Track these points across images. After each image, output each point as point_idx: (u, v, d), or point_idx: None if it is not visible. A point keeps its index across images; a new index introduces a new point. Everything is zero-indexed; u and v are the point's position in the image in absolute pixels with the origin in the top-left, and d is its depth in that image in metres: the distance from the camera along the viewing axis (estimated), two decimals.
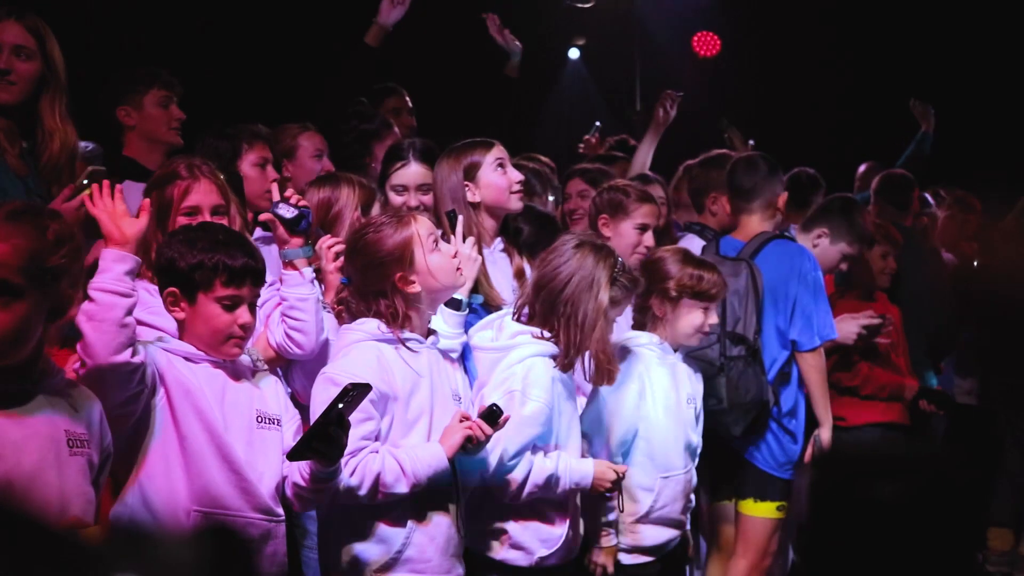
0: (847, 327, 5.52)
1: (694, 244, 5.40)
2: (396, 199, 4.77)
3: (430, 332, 3.76)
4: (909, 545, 2.16)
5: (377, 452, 3.52)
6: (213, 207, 3.86)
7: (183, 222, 3.75)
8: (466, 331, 4.05)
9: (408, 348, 3.64)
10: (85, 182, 3.79)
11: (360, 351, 3.58)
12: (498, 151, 4.52)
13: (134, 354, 3.11)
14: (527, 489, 3.90)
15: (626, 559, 4.41)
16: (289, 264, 3.90)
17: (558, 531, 4.01)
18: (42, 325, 2.78)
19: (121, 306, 3.06)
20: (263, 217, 4.08)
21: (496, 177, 4.47)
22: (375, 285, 3.65)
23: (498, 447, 3.80)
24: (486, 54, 6.94)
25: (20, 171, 4.17)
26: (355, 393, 3.23)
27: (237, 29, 7.90)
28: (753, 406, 4.92)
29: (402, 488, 3.52)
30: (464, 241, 4.06)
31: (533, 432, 3.88)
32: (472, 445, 3.61)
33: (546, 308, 3.99)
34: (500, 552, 3.98)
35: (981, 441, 6.87)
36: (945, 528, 2.16)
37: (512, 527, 3.98)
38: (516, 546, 3.99)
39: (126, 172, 4.75)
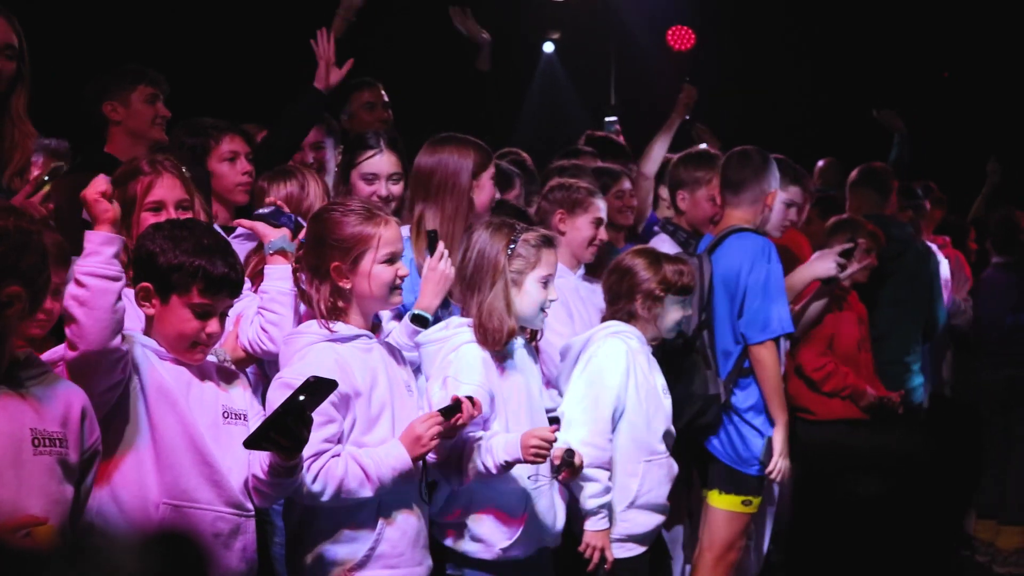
0: (824, 263, 5.52)
1: (664, 245, 5.44)
2: (365, 188, 4.76)
3: (376, 326, 3.76)
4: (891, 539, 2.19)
5: (339, 456, 3.51)
6: (177, 202, 3.86)
7: (148, 218, 3.75)
8: None
9: (359, 346, 3.64)
10: (46, 179, 3.81)
11: (316, 353, 3.57)
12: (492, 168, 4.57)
13: (123, 340, 3.12)
14: (470, 474, 3.88)
15: (619, 550, 4.47)
16: (273, 255, 3.92)
17: (516, 522, 4.02)
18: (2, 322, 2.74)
19: (112, 290, 3.05)
20: (242, 224, 4.14)
21: (489, 188, 4.51)
22: (313, 261, 3.67)
23: None
24: (459, 48, 6.95)
25: None
26: (317, 386, 3.21)
27: (218, 26, 7.89)
28: (695, 399, 4.95)
29: (366, 492, 3.52)
30: (440, 258, 4.11)
31: None
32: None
33: (464, 292, 4.09)
34: (462, 544, 4.02)
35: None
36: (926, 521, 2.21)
37: (470, 519, 4.01)
38: (476, 538, 4.01)
39: (106, 168, 4.70)
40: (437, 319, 4.17)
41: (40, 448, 2.78)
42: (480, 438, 3.88)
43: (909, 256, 6.54)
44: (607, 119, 7.90)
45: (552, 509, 4.13)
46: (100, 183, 3.19)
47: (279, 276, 3.87)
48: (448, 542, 4.02)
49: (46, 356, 3.10)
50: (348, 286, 3.64)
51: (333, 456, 3.51)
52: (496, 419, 3.99)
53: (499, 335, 3.99)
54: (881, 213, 6.65)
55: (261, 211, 4.09)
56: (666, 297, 4.62)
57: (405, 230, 4.40)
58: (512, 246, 4.03)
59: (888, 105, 8.45)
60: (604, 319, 4.69)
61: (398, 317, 4.19)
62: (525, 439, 3.85)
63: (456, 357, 3.96)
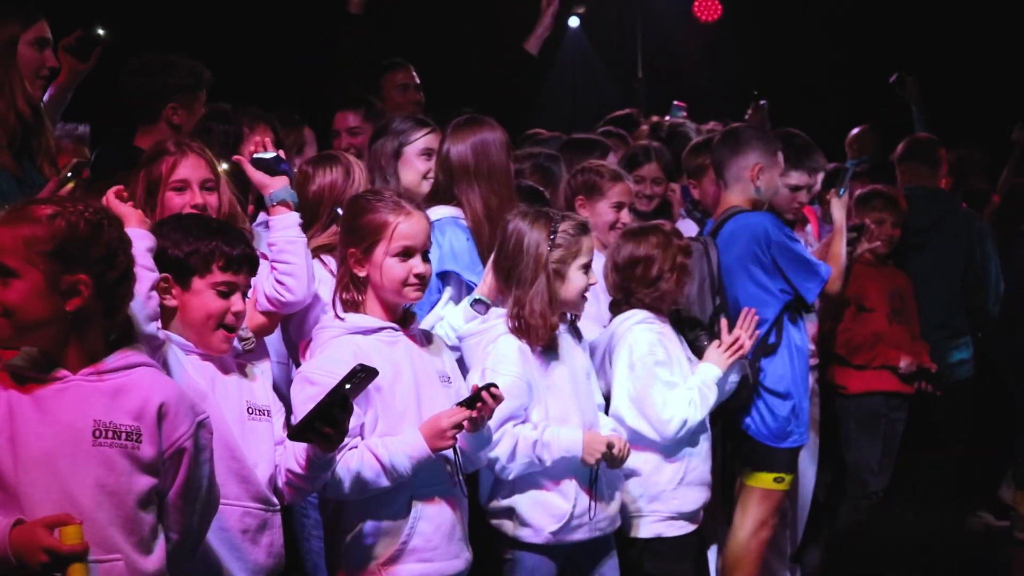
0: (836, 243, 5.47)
1: (688, 229, 5.43)
2: (421, 165, 4.71)
3: (408, 317, 3.75)
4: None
5: (355, 448, 3.52)
6: (201, 181, 3.88)
7: (172, 197, 3.80)
8: None
9: (383, 338, 3.63)
10: (69, 174, 3.86)
11: (336, 346, 3.58)
12: None
13: (159, 328, 3.18)
14: (517, 461, 3.94)
15: (670, 529, 4.50)
16: (276, 207, 3.93)
17: (565, 505, 4.04)
18: (64, 314, 2.77)
19: (148, 279, 3.15)
20: (243, 166, 4.06)
21: None
22: (338, 245, 3.72)
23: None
24: (494, 28, 6.95)
25: (16, 172, 4.24)
26: (363, 375, 3.22)
27: (227, 17, 7.86)
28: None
29: (383, 482, 3.52)
30: None
31: (509, 406, 3.88)
32: (463, 431, 3.60)
33: (501, 285, 4.07)
34: (513, 529, 4.04)
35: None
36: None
37: (518, 502, 4.03)
38: (524, 523, 4.03)
39: (135, 163, 4.76)
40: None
41: (101, 439, 2.79)
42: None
43: (946, 226, 6.49)
44: (675, 103, 7.76)
45: (603, 492, 4.14)
46: (112, 192, 3.38)
47: (286, 225, 3.89)
48: (499, 526, 4.05)
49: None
50: (363, 274, 3.64)
51: (350, 449, 3.51)
52: (536, 408, 4.01)
53: (542, 331, 4.01)
54: (931, 185, 6.60)
55: (261, 155, 4.04)
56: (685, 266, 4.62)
57: (454, 210, 4.44)
58: (552, 236, 4.03)
59: (914, 71, 8.35)
60: (616, 308, 4.64)
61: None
62: (590, 444, 3.97)
63: (494, 348, 3.97)
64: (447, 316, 4.21)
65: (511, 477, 3.98)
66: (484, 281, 4.18)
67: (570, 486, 4.05)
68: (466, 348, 4.08)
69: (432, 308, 4.30)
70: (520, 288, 4.00)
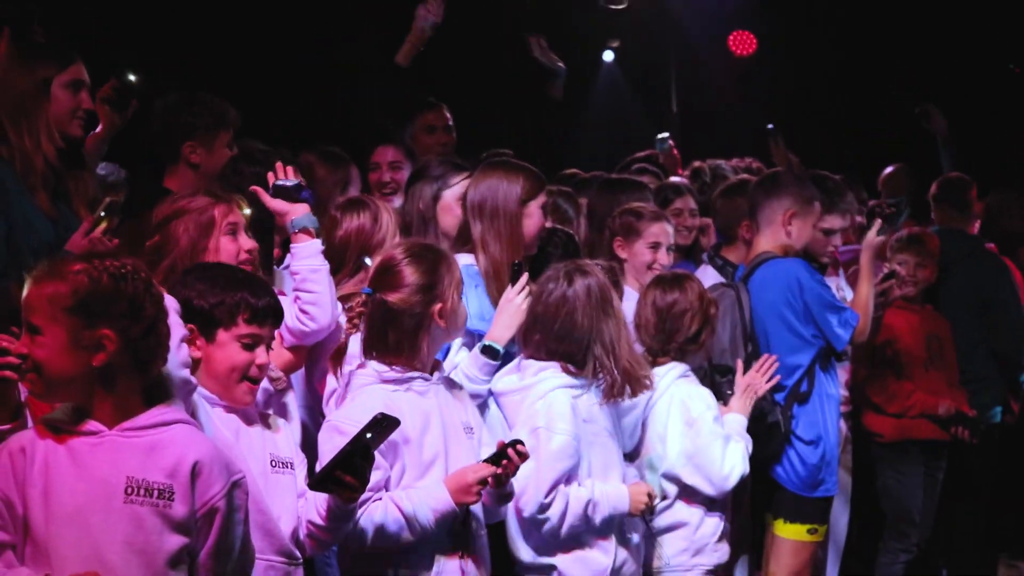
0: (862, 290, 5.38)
1: (708, 277, 5.36)
2: (459, 210, 4.59)
3: (434, 365, 3.74)
4: None
5: (380, 500, 3.50)
6: (246, 225, 3.88)
7: (226, 242, 3.78)
8: None
9: (415, 388, 3.63)
10: (102, 214, 3.88)
11: (366, 396, 3.57)
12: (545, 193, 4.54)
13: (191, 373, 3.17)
14: (567, 522, 3.93)
15: None
16: (297, 234, 3.91)
17: (605, 560, 4.02)
18: (91, 369, 2.77)
19: (180, 324, 3.14)
20: (262, 198, 4.04)
21: (537, 216, 4.47)
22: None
23: (530, 485, 3.84)
24: (525, 71, 6.96)
25: (52, 214, 4.26)
26: (385, 424, 3.20)
27: (270, 54, 7.90)
28: (757, 430, 4.86)
29: (406, 535, 3.49)
30: (521, 291, 4.10)
31: (564, 465, 3.91)
32: (488, 488, 3.59)
33: (563, 344, 4.03)
34: None
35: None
36: None
37: (560, 560, 4.00)
38: None
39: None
40: (508, 353, 4.15)
41: (132, 497, 2.78)
42: None
43: (961, 269, 6.42)
44: (659, 136, 7.80)
45: (640, 546, 4.18)
46: None
47: (308, 253, 3.88)
48: None
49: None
50: (444, 325, 3.67)
51: (374, 501, 3.49)
52: (581, 462, 3.99)
53: (647, 377, 4.07)
54: (960, 227, 6.56)
55: (282, 182, 4.03)
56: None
57: (469, 257, 4.40)
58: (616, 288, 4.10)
59: (952, 104, 8.27)
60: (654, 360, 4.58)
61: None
62: (636, 497, 4.02)
63: (544, 405, 3.95)
64: (461, 364, 4.16)
65: (561, 537, 3.96)
66: (525, 344, 4.11)
67: (611, 540, 4.05)
68: (506, 404, 4.06)
69: (446, 355, 4.27)
70: (606, 352, 3.99)
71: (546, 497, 3.88)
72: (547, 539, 3.98)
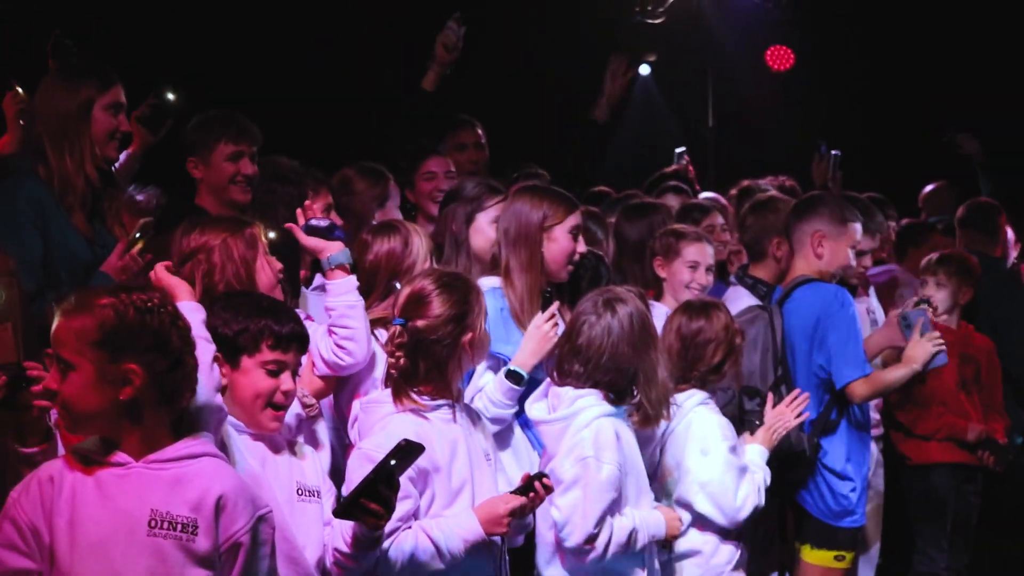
0: (922, 350, 5.17)
1: (742, 300, 5.31)
2: (492, 232, 4.64)
3: (457, 392, 3.75)
4: None
5: (410, 528, 3.50)
6: (267, 248, 3.92)
7: (264, 264, 3.81)
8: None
9: (443, 416, 3.64)
10: (137, 235, 3.93)
11: (397, 424, 3.58)
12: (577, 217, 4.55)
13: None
14: (611, 550, 3.94)
15: None
16: (334, 270, 3.95)
17: None
18: (118, 403, 2.79)
19: (208, 350, 3.15)
20: (297, 235, 4.09)
21: (563, 241, 4.48)
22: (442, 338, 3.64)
23: (576, 515, 3.86)
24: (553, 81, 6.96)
25: (88, 234, 4.32)
26: (409, 451, 3.21)
27: (285, 66, 7.93)
28: (783, 457, 4.84)
29: (437, 565, 3.50)
30: (549, 319, 4.15)
31: (611, 496, 3.93)
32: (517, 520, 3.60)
33: (609, 375, 4.03)
34: None
35: None
36: None
37: None
38: None
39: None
40: (533, 379, 4.16)
41: (156, 530, 2.80)
42: None
43: (983, 293, 6.32)
44: (677, 150, 7.79)
45: (658, 572, 4.21)
46: (160, 267, 3.47)
47: (344, 290, 3.92)
48: None
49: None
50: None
51: (404, 530, 3.50)
52: (627, 496, 4.02)
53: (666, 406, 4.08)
54: (988, 252, 6.50)
55: (315, 222, 4.08)
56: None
57: (496, 280, 4.42)
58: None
59: (992, 125, 8.19)
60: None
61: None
62: (671, 522, 4.12)
63: (591, 434, 3.95)
64: (485, 388, 4.19)
65: (601, 565, 3.97)
66: (560, 373, 4.11)
67: (642, 566, 4.07)
68: (546, 433, 4.07)
69: (469, 379, 4.28)
70: (651, 381, 4.02)
71: (595, 528, 3.88)
72: (587, 568, 3.99)
